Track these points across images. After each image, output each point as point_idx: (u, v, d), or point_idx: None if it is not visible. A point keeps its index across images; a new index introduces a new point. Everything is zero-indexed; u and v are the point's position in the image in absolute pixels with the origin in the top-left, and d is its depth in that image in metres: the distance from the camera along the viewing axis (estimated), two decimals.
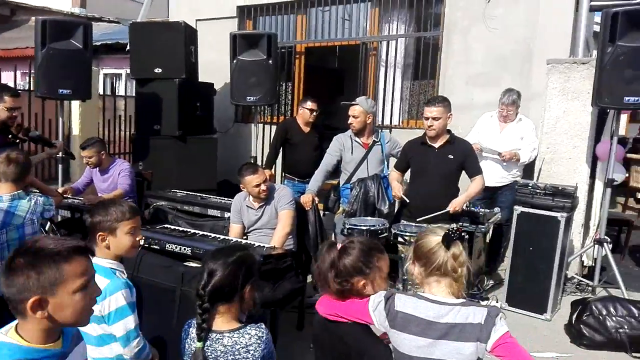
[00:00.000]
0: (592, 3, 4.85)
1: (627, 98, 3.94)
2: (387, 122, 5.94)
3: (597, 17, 6.08)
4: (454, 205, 3.59)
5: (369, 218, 3.85)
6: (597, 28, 6.01)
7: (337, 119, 6.38)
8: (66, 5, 12.89)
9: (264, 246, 3.12)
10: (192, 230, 3.49)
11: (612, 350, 3.41)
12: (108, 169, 4.62)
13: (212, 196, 4.68)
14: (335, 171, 4.37)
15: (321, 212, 4.39)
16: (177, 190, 4.86)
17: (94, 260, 1.76)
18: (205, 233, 3.48)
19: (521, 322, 3.88)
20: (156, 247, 3.17)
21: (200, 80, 6.02)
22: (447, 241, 1.66)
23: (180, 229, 3.54)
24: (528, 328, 3.79)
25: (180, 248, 3.08)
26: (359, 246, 1.83)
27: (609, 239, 4.39)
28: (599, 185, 4.73)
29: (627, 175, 5.97)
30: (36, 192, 3.47)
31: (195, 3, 6.87)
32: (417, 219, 3.64)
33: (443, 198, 3.62)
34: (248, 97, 5.32)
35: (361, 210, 4.00)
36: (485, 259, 4.60)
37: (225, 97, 5.66)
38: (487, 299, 4.22)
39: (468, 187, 3.77)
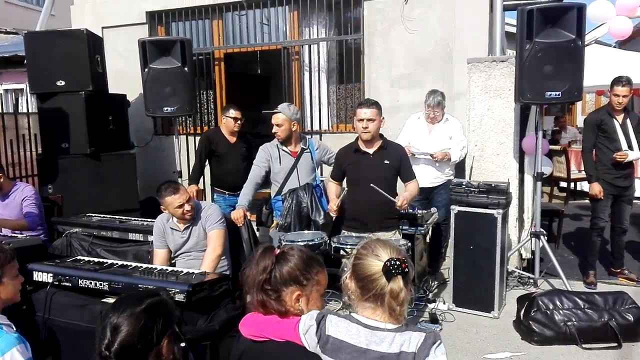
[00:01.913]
0: (505, 2, 4.98)
1: (548, 93, 4.05)
2: (316, 127, 5.79)
3: (508, 18, 6.37)
4: (402, 199, 3.45)
5: (305, 232, 3.64)
6: (508, 28, 6.27)
7: (265, 126, 6.12)
8: None
9: (192, 273, 2.81)
10: (109, 261, 3.10)
11: (563, 344, 3.42)
12: (8, 194, 4.20)
13: (132, 218, 4.29)
14: (266, 181, 4.13)
15: (255, 227, 4.14)
16: (93, 215, 4.42)
17: None
18: (125, 263, 3.10)
19: (470, 322, 3.85)
20: (67, 284, 2.77)
21: (110, 91, 5.56)
22: (387, 274, 1.46)
23: (96, 260, 3.13)
24: (478, 328, 3.75)
25: (96, 283, 2.70)
26: (299, 254, 1.66)
27: (544, 232, 4.49)
28: (528, 179, 4.84)
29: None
30: None
31: (100, 10, 6.36)
32: (370, 184, 3.40)
33: (383, 205, 3.48)
34: (165, 108, 4.95)
35: (295, 222, 3.78)
36: (428, 260, 4.57)
37: (142, 108, 5.25)
38: (434, 300, 4.16)
39: (405, 189, 3.67)
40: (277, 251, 1.67)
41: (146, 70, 4.96)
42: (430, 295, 4.26)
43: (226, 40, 6.10)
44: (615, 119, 4.42)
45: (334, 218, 3.99)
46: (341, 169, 3.68)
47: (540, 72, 4.06)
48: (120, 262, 3.09)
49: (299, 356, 1.56)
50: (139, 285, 2.59)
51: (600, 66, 6.55)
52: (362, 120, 3.49)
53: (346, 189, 3.70)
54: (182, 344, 2.47)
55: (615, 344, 3.37)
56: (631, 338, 3.42)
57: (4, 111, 6.66)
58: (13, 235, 3.55)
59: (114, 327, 1.45)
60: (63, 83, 4.96)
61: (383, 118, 3.60)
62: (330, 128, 5.84)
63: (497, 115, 4.71)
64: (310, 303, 1.63)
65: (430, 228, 4.54)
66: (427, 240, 4.66)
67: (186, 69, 4.93)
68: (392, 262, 1.45)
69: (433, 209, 4.54)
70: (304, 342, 1.54)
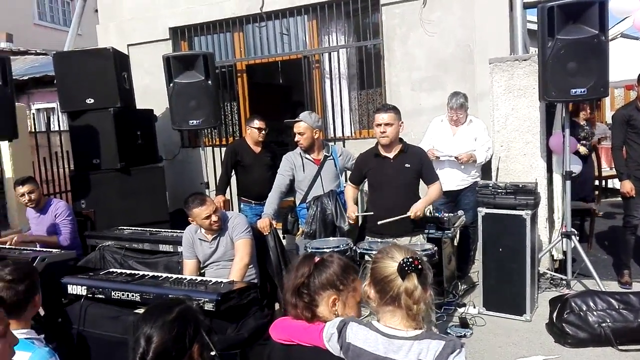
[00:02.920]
0: (525, 0, 4.92)
1: (573, 90, 3.97)
2: (339, 134, 5.81)
3: (530, 16, 6.29)
4: (415, 210, 3.44)
5: (331, 238, 3.65)
6: (530, 26, 6.19)
7: (289, 135, 6.20)
8: None
9: (221, 282, 2.86)
10: (140, 273, 3.18)
11: (597, 346, 3.34)
12: (43, 210, 4.42)
13: (162, 230, 4.38)
14: (291, 190, 4.17)
15: (281, 235, 4.17)
16: (125, 227, 4.54)
17: None
18: (156, 274, 3.17)
19: (502, 325, 3.79)
20: (101, 296, 2.86)
21: (138, 107, 5.70)
22: (401, 273, 1.47)
23: (127, 272, 3.21)
24: (509, 331, 3.69)
25: (128, 295, 2.78)
26: (338, 261, 1.75)
27: (576, 231, 4.40)
28: (557, 179, 4.74)
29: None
30: None
31: (124, 28, 6.54)
32: (378, 222, 3.47)
33: (406, 209, 3.48)
34: (190, 121, 5.05)
35: (320, 230, 3.80)
36: (456, 263, 4.52)
37: (168, 122, 5.38)
38: (464, 304, 4.12)
39: (427, 193, 3.65)
40: (317, 259, 1.76)
41: (171, 85, 5.07)
42: (460, 299, 4.22)
43: (247, 52, 6.19)
44: None
45: (359, 224, 4.00)
46: (361, 173, 3.69)
47: (564, 69, 3.99)
48: (151, 274, 3.16)
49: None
50: (169, 296, 2.64)
51: (627, 60, 6.40)
52: (379, 125, 3.50)
53: (364, 191, 3.69)
54: (212, 353, 2.52)
55: None
56: None
57: (37, 130, 6.89)
58: (48, 250, 3.67)
59: (147, 337, 1.48)
60: (92, 101, 5.11)
61: (402, 122, 3.59)
62: (353, 134, 5.86)
63: (522, 115, 4.64)
64: (346, 308, 1.69)
65: (458, 231, 4.49)
66: (455, 243, 4.61)
67: (210, 82, 5.01)
68: (405, 261, 1.47)
69: (460, 212, 4.49)
70: (328, 349, 1.57)
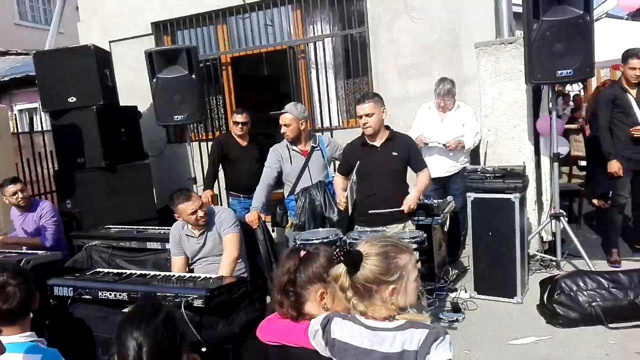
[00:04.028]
0: None
1: (559, 72, 3.97)
2: (327, 124, 5.78)
3: None
4: (408, 203, 3.44)
5: (320, 230, 3.61)
6: (516, 9, 6.16)
7: (277, 127, 6.16)
8: None
9: (210, 278, 2.83)
10: (128, 271, 3.14)
11: (589, 325, 3.35)
12: (28, 211, 4.41)
13: (150, 227, 4.35)
14: (279, 182, 4.13)
15: (270, 228, 4.14)
16: (111, 226, 4.48)
17: (6, 340, 1.45)
18: (144, 272, 3.13)
19: (493, 309, 3.80)
20: (88, 296, 2.82)
21: (121, 104, 5.63)
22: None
23: (114, 271, 3.17)
24: (502, 314, 3.71)
25: (115, 294, 2.73)
26: (324, 253, 1.69)
27: (564, 213, 4.41)
28: (545, 161, 4.74)
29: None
30: None
31: (106, 24, 6.43)
32: (369, 211, 3.45)
33: (395, 197, 3.46)
34: (175, 116, 4.99)
35: (310, 221, 3.77)
36: (447, 249, 4.52)
37: (153, 118, 5.31)
38: (456, 289, 4.13)
39: (416, 183, 3.63)
40: (303, 253, 1.70)
41: (154, 80, 5.00)
42: (452, 284, 4.22)
43: (232, 44, 6.12)
44: (630, 93, 4.30)
45: (349, 213, 3.98)
46: (348, 163, 3.65)
47: (550, 51, 3.97)
48: (138, 272, 3.12)
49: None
50: (157, 293, 2.62)
51: (613, 40, 6.40)
52: (361, 116, 3.47)
53: (353, 180, 3.65)
54: (203, 349, 2.49)
55: None
56: None
57: (20, 130, 6.78)
58: (33, 252, 3.62)
59: (139, 344, 1.43)
60: (74, 99, 5.03)
61: (384, 109, 3.54)
62: (340, 124, 5.82)
63: (509, 99, 4.63)
64: (336, 300, 1.62)
65: (448, 217, 4.48)
66: (446, 229, 4.61)
67: (194, 76, 4.95)
68: (336, 248, 1.49)
69: (449, 198, 4.49)
70: (315, 347, 1.53)
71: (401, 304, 1.44)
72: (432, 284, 4.10)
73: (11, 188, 4.24)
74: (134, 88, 6.03)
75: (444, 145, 4.48)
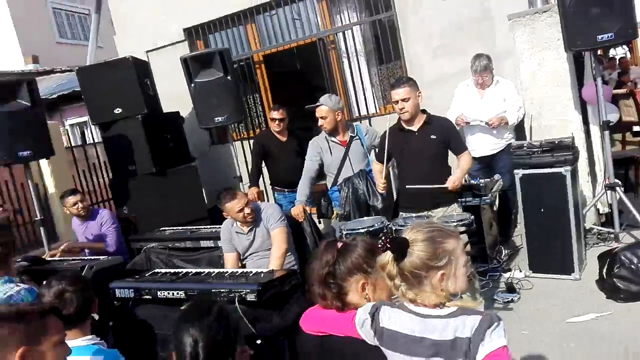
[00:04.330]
0: None
1: (600, 36, 3.81)
2: (363, 112, 5.75)
3: None
4: (452, 181, 3.39)
5: (365, 218, 3.63)
6: None
7: (314, 120, 6.20)
8: (19, 64, 12.65)
9: (261, 272, 2.91)
10: (184, 270, 3.27)
11: None
12: (89, 219, 4.60)
13: (202, 227, 4.51)
14: (321, 174, 4.18)
15: (316, 220, 4.20)
16: (166, 228, 4.67)
17: (70, 343, 1.56)
18: (199, 270, 3.25)
19: (550, 287, 3.71)
20: (148, 297, 2.96)
21: (164, 111, 5.81)
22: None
23: (172, 271, 3.31)
24: (559, 292, 3.61)
25: (173, 293, 2.86)
26: (362, 243, 1.66)
27: (620, 182, 4.23)
28: (594, 130, 4.56)
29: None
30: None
31: (140, 35, 6.63)
32: (407, 186, 3.43)
33: (437, 181, 3.43)
34: (216, 118, 5.10)
35: (354, 210, 3.80)
36: (498, 229, 4.43)
37: (195, 122, 5.47)
38: (509, 269, 4.05)
39: (458, 165, 3.58)
40: (340, 244, 1.68)
41: (192, 85, 5.12)
42: (505, 264, 4.15)
43: (262, 42, 6.18)
44: None
45: (393, 200, 3.97)
46: (387, 150, 3.63)
47: (587, 16, 3.80)
48: (194, 270, 3.24)
49: (360, 350, 1.54)
50: (212, 290, 2.72)
51: None
52: (397, 102, 3.44)
53: (394, 166, 3.64)
54: (259, 341, 2.57)
55: None
56: None
57: (73, 144, 7.12)
58: (95, 258, 3.82)
59: (194, 340, 1.49)
60: (120, 110, 5.23)
61: (420, 93, 3.51)
62: (377, 111, 5.79)
63: (550, 69, 4.48)
64: (377, 291, 1.61)
65: (497, 196, 4.39)
66: (495, 208, 4.52)
67: (229, 77, 5.04)
68: (381, 237, 1.46)
69: (497, 176, 4.37)
70: (362, 336, 1.52)
71: (451, 289, 1.43)
72: (485, 265, 4.04)
73: (71, 199, 4.46)
74: (174, 95, 6.18)
75: (486, 123, 4.39)
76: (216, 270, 3.16)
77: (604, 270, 3.47)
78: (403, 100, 3.41)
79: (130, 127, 5.27)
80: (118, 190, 5.49)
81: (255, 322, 2.57)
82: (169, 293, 2.87)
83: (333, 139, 4.00)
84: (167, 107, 5.89)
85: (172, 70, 6.11)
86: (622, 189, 4.21)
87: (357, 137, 4.04)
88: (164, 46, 6.46)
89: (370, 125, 5.25)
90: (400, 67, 5.55)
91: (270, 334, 2.61)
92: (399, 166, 3.65)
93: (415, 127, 3.50)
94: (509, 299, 3.58)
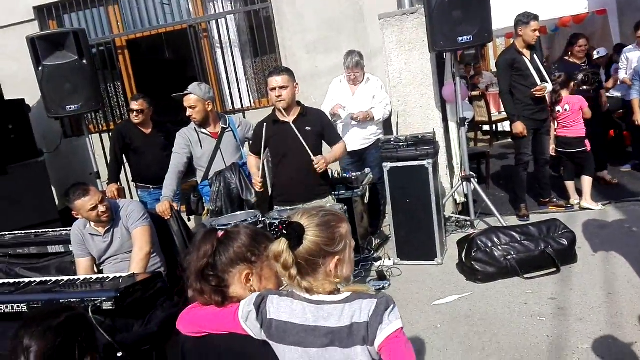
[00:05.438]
0: None
1: (460, 38, 4.08)
2: (238, 105, 5.58)
3: None
4: (320, 158, 3.31)
5: (238, 213, 3.46)
6: None
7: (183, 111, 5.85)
8: None
9: (120, 277, 2.60)
10: (26, 280, 2.82)
11: (505, 278, 3.52)
12: None
13: (49, 230, 3.97)
14: (190, 168, 3.91)
15: (186, 218, 3.93)
16: (5, 233, 4.03)
17: None
18: (45, 278, 2.82)
19: (417, 272, 3.91)
20: None
21: (6, 98, 5.08)
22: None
23: (11, 281, 2.84)
24: (424, 276, 3.81)
25: (13, 307, 2.43)
26: (245, 231, 1.52)
27: (474, 174, 4.59)
28: (452, 127, 4.89)
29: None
30: None
31: None
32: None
33: (312, 172, 3.38)
34: (68, 107, 4.58)
35: (227, 205, 3.61)
36: (369, 220, 4.57)
37: (44, 111, 4.84)
38: (380, 258, 4.19)
39: (332, 149, 3.57)
40: (221, 233, 1.52)
41: (40, 68, 4.56)
42: (375, 253, 4.28)
43: (126, 26, 5.69)
44: (524, 56, 4.53)
45: (268, 194, 3.85)
46: (260, 142, 3.50)
47: (450, 19, 4.07)
48: (39, 279, 2.81)
49: (245, 347, 1.41)
50: (61, 301, 2.36)
51: (505, 9, 6.70)
52: (274, 89, 3.34)
53: (268, 159, 3.52)
54: (119, 354, 2.29)
55: (554, 269, 3.51)
56: (568, 261, 3.58)
57: None
58: None
59: (25, 348, 1.31)
60: None
61: (297, 84, 3.46)
62: (252, 104, 5.65)
63: (415, 68, 4.71)
64: (263, 281, 1.49)
65: (368, 189, 4.52)
66: (366, 201, 4.65)
67: (84, 61, 4.57)
68: (276, 224, 1.36)
69: (367, 170, 4.53)
70: (247, 331, 1.39)
71: (346, 274, 1.37)
72: (357, 256, 4.12)
73: None
74: (19, 80, 5.44)
75: (351, 118, 4.48)
76: (66, 278, 2.77)
77: (463, 255, 3.73)
78: (281, 87, 3.32)
79: None
80: None
81: (115, 333, 2.28)
82: (7, 307, 2.43)
83: (203, 130, 3.77)
84: (10, 93, 5.15)
85: (19, 53, 5.38)
86: (476, 180, 4.57)
87: (229, 128, 3.84)
88: (10, 25, 5.65)
89: (244, 118, 5.08)
90: (275, 60, 5.48)
91: (132, 344, 2.34)
92: (273, 158, 3.53)
93: (290, 119, 3.42)
94: (380, 287, 3.69)
